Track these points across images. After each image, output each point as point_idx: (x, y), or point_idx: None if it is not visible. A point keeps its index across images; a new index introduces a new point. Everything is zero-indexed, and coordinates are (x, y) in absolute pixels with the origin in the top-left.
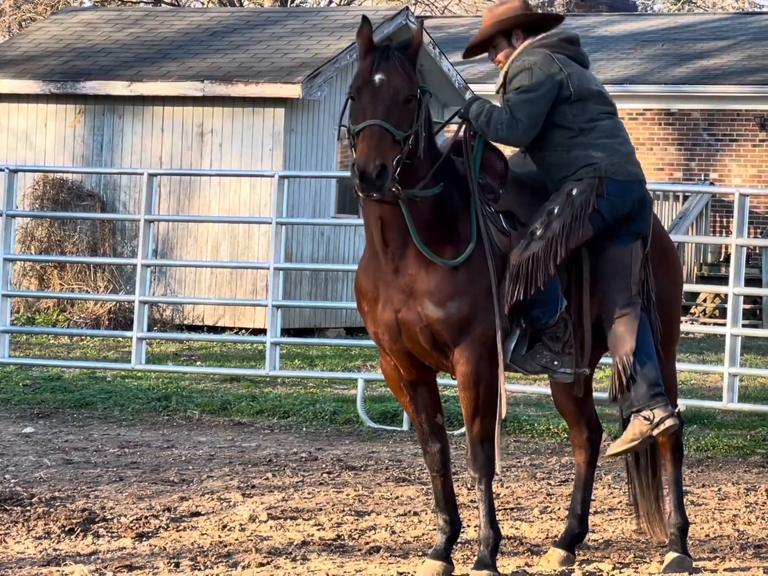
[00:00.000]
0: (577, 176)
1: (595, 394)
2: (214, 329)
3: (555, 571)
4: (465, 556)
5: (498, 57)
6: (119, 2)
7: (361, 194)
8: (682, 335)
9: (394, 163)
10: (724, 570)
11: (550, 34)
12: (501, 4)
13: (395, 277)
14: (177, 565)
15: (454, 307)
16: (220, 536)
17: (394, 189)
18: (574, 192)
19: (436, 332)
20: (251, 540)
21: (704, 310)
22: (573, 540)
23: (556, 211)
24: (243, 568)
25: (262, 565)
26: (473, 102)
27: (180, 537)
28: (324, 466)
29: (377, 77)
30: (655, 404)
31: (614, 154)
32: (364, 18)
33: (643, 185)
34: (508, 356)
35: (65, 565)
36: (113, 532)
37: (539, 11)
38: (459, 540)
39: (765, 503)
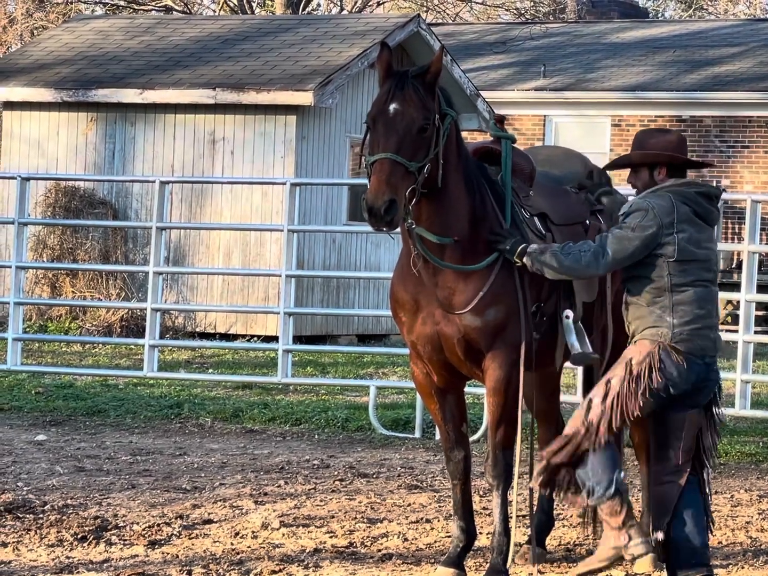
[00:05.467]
0: (643, 335)
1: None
2: (226, 337)
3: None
4: (477, 564)
5: (637, 183)
6: (131, 10)
7: (371, 227)
8: None
9: (407, 194)
10: None
11: (691, 182)
12: (656, 133)
13: (435, 290)
14: (189, 572)
15: (491, 315)
16: (232, 544)
17: (408, 223)
18: (633, 361)
19: (472, 340)
20: (263, 547)
21: None
22: (544, 534)
23: (614, 382)
24: (255, 575)
25: (274, 572)
26: (525, 244)
27: (192, 544)
28: (336, 473)
29: (392, 107)
30: (695, 575)
31: (688, 324)
32: (383, 43)
33: (710, 365)
34: (575, 347)
35: (78, 572)
36: (126, 540)
37: (689, 155)
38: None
39: None
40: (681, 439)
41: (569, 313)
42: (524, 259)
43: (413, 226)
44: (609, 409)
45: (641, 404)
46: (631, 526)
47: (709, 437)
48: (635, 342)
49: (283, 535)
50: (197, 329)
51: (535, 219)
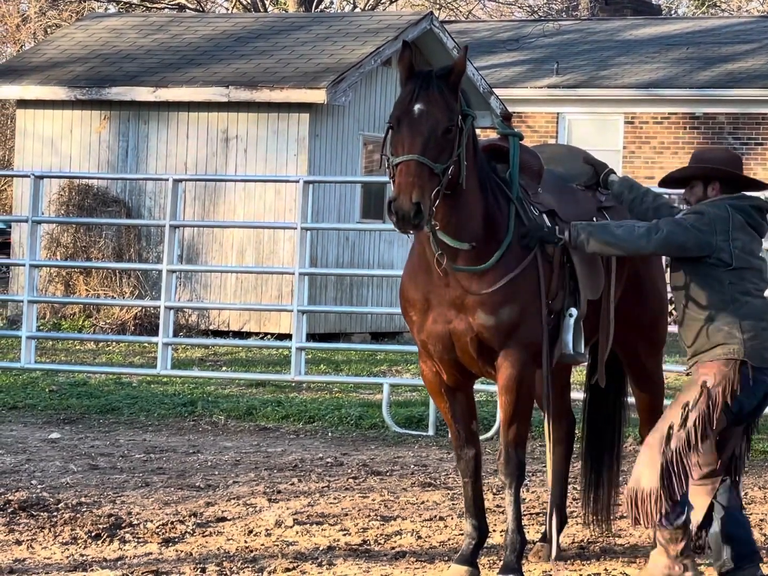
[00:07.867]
0: (712, 354)
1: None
2: (239, 334)
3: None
4: (491, 561)
5: (691, 199)
6: (144, 8)
7: (398, 230)
8: None
9: (432, 196)
10: None
11: (744, 196)
12: (711, 150)
13: (447, 289)
14: (203, 570)
15: (505, 314)
16: (246, 541)
17: (431, 225)
18: (709, 383)
19: (485, 339)
20: (277, 545)
21: None
22: (558, 532)
23: (692, 405)
24: (269, 573)
25: (288, 570)
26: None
27: (206, 542)
28: (350, 471)
29: (416, 107)
30: (743, 567)
31: (756, 338)
32: (405, 42)
33: None
34: (569, 346)
35: (92, 570)
36: (139, 538)
37: (743, 171)
38: (485, 545)
39: None
40: (725, 449)
41: (573, 311)
42: (566, 234)
43: (437, 228)
44: (692, 433)
45: (716, 425)
46: (687, 557)
47: (744, 446)
48: (706, 362)
49: (297, 532)
50: (211, 327)
51: (544, 216)
